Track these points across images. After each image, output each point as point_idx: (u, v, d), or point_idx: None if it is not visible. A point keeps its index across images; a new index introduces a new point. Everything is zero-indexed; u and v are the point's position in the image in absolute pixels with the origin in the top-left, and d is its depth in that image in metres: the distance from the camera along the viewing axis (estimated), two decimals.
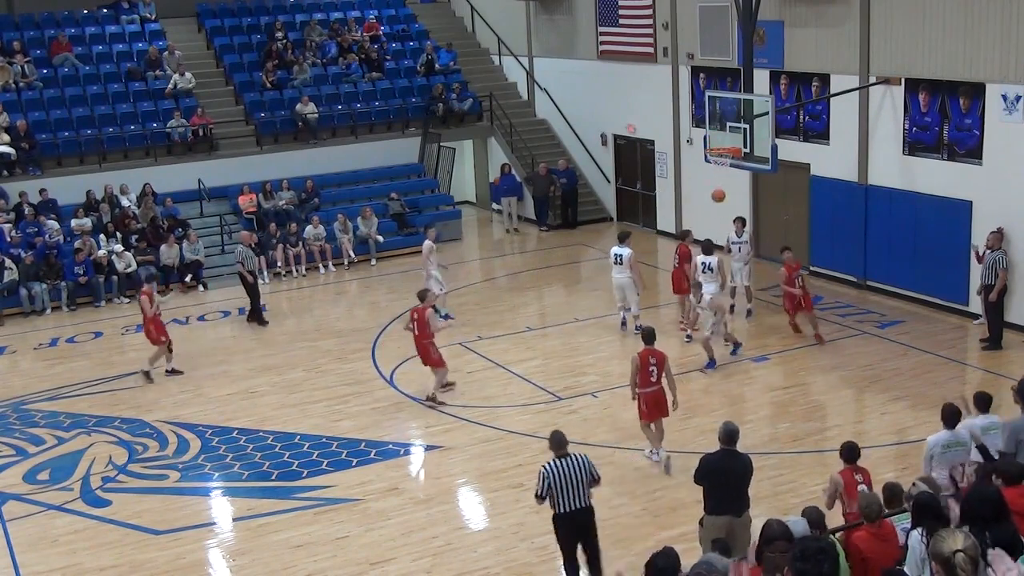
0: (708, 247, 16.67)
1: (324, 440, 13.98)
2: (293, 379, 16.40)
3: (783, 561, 6.92)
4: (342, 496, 12.35)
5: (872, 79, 18.37)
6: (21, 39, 25.58)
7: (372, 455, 13.48)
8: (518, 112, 27.69)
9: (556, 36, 26.99)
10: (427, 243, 18.62)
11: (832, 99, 19.17)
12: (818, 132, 19.77)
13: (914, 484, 8.25)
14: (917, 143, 17.83)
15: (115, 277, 21.26)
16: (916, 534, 7.40)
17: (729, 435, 9.53)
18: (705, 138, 18.99)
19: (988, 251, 15.96)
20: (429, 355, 14.90)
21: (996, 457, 9.51)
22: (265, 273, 22.17)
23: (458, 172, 28.51)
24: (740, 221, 18.04)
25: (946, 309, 17.66)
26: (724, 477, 9.45)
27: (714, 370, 15.59)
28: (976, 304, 16.76)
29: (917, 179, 17.88)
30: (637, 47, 23.98)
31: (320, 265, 22.96)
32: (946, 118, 17.21)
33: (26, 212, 22.04)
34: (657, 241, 23.78)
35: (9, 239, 21.28)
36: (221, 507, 12.52)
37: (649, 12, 23.50)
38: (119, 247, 21.64)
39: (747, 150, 17.62)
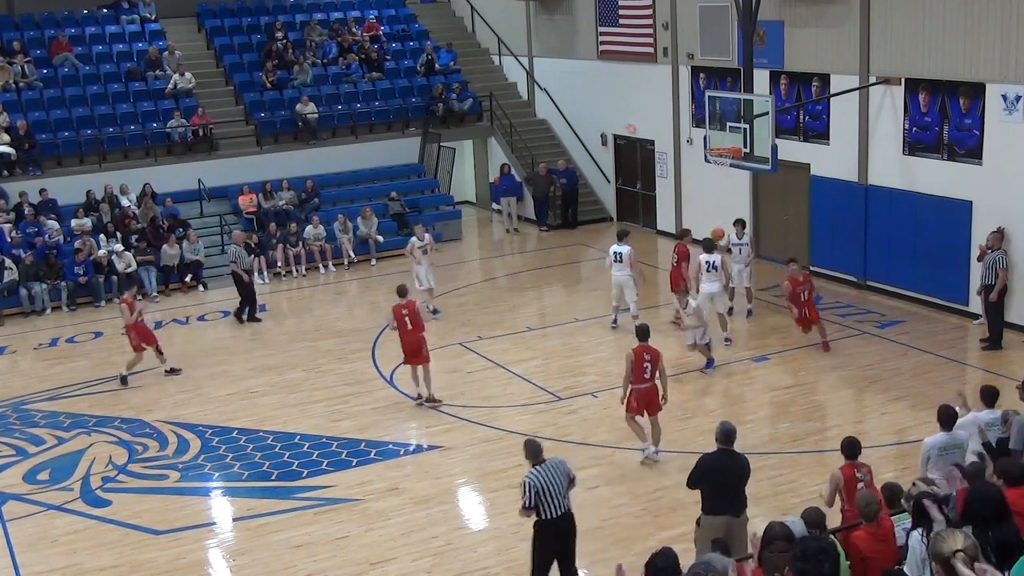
0: (709, 245, 16.72)
1: (324, 440, 13.98)
2: (293, 379, 16.40)
3: (782, 561, 6.92)
4: (342, 496, 12.35)
5: (872, 79, 18.37)
6: (21, 39, 25.58)
7: (372, 455, 13.48)
8: (518, 112, 27.69)
9: (556, 36, 26.99)
10: (411, 239, 19.16)
11: (832, 99, 19.17)
12: (818, 132, 19.77)
13: (914, 484, 8.25)
14: (917, 143, 17.83)
15: (115, 277, 21.25)
16: (916, 534, 7.41)
17: (726, 435, 9.53)
18: (705, 138, 18.99)
19: (988, 251, 15.96)
20: (422, 351, 14.78)
21: (995, 451, 9.56)
22: (265, 273, 22.20)
23: (458, 172, 28.51)
24: (740, 223, 18.04)
25: (946, 309, 17.66)
26: (723, 477, 9.45)
27: (712, 370, 15.57)
28: (976, 304, 16.76)
29: (917, 179, 17.88)
30: (637, 47, 23.98)
31: (320, 265, 22.96)
32: (946, 118, 17.21)
33: (26, 212, 22.04)
34: (657, 241, 23.78)
35: (9, 239, 21.28)
36: (221, 507, 12.52)
37: (649, 12, 23.50)
38: (119, 247, 21.65)
39: (747, 150, 17.62)
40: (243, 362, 17.35)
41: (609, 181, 26.02)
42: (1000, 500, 6.99)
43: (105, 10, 27.73)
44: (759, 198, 21.43)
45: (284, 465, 13.31)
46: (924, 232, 17.81)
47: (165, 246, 21.72)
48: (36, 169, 23.35)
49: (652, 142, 24.25)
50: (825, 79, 19.31)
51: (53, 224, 21.94)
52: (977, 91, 16.59)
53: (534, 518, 9.35)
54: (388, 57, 28.01)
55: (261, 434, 14.30)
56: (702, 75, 22.22)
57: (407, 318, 14.72)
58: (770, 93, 19.52)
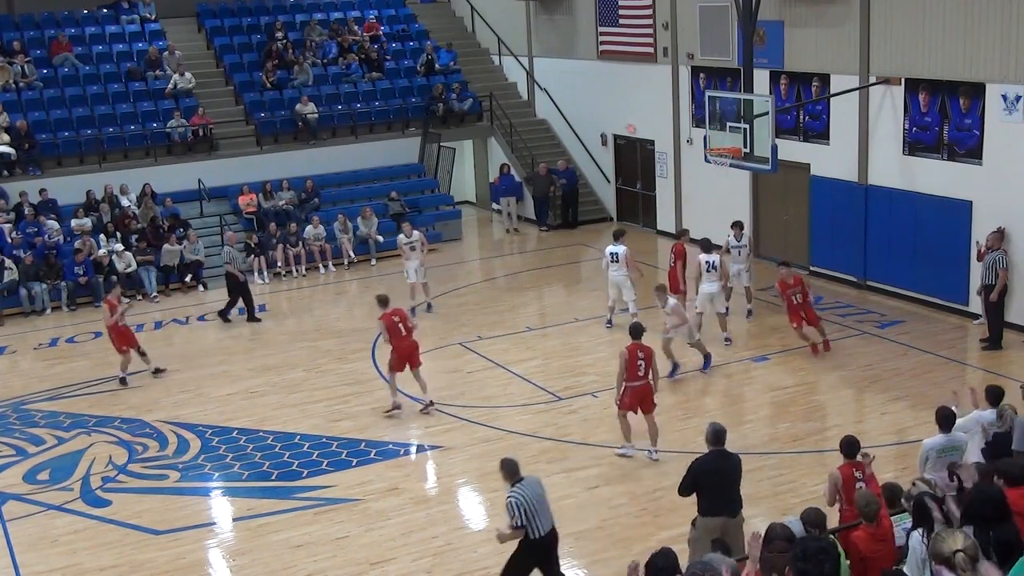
0: (707, 245, 16.75)
1: (324, 440, 13.99)
2: (293, 379, 16.40)
3: (780, 562, 6.93)
4: (342, 496, 12.35)
5: (872, 79, 18.37)
6: (21, 39, 25.59)
7: (372, 455, 13.48)
8: (518, 112, 27.69)
9: (556, 36, 26.99)
10: (399, 236, 19.60)
11: (832, 99, 19.17)
12: (818, 132, 19.77)
13: (914, 484, 8.26)
14: (917, 143, 17.83)
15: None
16: (917, 535, 7.42)
17: (717, 435, 9.51)
18: (705, 138, 18.99)
19: (988, 251, 15.96)
20: (417, 354, 14.73)
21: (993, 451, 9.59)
22: (265, 273, 22.23)
23: (458, 172, 28.51)
24: (738, 226, 18.02)
25: (946, 309, 17.66)
26: (718, 478, 9.43)
27: (710, 369, 15.53)
28: (976, 304, 16.76)
29: (917, 179, 17.88)
30: (637, 47, 23.98)
31: (320, 265, 22.97)
32: (946, 118, 17.21)
33: (26, 212, 22.04)
34: (657, 241, 23.78)
35: (9, 239, 21.28)
36: (221, 507, 12.52)
37: (649, 12, 23.50)
38: (119, 247, 21.65)
39: (747, 150, 17.62)
40: (243, 362, 17.35)
41: (609, 181, 26.03)
42: (1002, 500, 7.01)
43: (105, 10, 27.73)
44: (759, 198, 21.43)
45: (284, 465, 13.31)
46: (924, 232, 17.81)
47: (165, 246, 21.73)
48: (36, 169, 23.35)
49: (652, 142, 24.25)
50: (825, 79, 19.31)
51: (53, 224, 21.94)
52: (977, 91, 16.59)
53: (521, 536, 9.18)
54: (388, 57, 28.01)
55: (261, 434, 14.31)
56: (702, 75, 22.22)
57: (400, 325, 14.62)
58: (770, 93, 19.52)
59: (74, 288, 20.89)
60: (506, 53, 28.81)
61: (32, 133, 23.42)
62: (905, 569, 7.41)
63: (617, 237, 17.72)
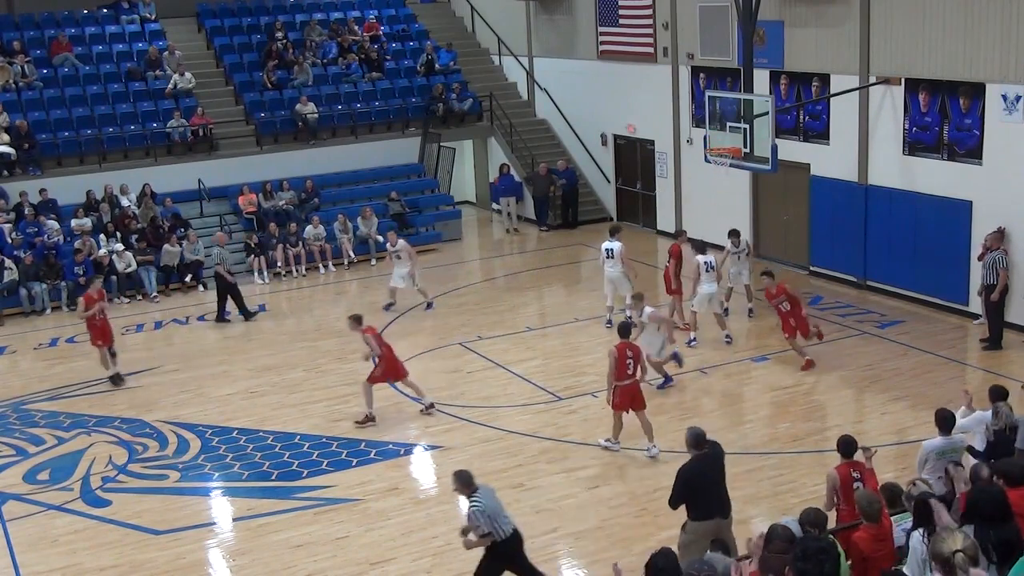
0: (703, 246, 16.75)
1: (324, 440, 13.99)
2: (293, 379, 16.40)
3: (779, 562, 6.93)
4: (342, 496, 12.35)
5: (872, 79, 18.36)
6: (21, 39, 25.58)
7: (372, 455, 13.48)
8: (518, 112, 27.69)
9: (556, 36, 26.98)
10: (387, 244, 20.18)
11: (832, 99, 19.16)
12: (818, 132, 19.77)
13: (914, 484, 8.26)
14: (917, 143, 17.83)
15: (115, 277, 21.26)
16: (917, 535, 7.42)
17: (698, 439, 9.48)
18: (705, 138, 18.99)
19: (988, 251, 15.95)
20: (401, 364, 14.71)
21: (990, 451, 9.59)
22: (265, 273, 22.24)
23: (458, 172, 28.51)
24: (735, 234, 17.95)
25: (946, 309, 17.66)
26: (707, 481, 9.42)
27: (672, 385, 15.09)
28: (976, 304, 16.76)
29: (917, 179, 17.88)
30: (637, 47, 23.98)
31: (320, 265, 22.97)
32: (946, 118, 17.21)
33: (26, 212, 22.04)
34: (657, 241, 23.78)
35: (9, 239, 21.28)
36: (221, 507, 12.52)
37: (649, 12, 23.50)
38: (119, 247, 21.65)
39: (747, 150, 17.62)
40: (243, 362, 17.35)
41: (609, 181, 26.02)
42: (1004, 500, 7.01)
43: (105, 10, 27.72)
44: (759, 198, 21.43)
45: (284, 465, 13.31)
46: (924, 232, 17.81)
47: (165, 246, 21.73)
48: (36, 169, 23.35)
49: (652, 142, 24.25)
50: (825, 79, 19.30)
51: (53, 224, 21.94)
52: (977, 91, 16.59)
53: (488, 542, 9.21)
54: (388, 57, 28.01)
55: (261, 434, 14.31)
56: (702, 75, 22.22)
57: (378, 342, 14.49)
58: (770, 93, 19.52)
59: (74, 288, 20.85)
60: (506, 53, 28.81)
61: (32, 133, 23.42)
62: (905, 569, 7.41)
63: (613, 233, 17.84)
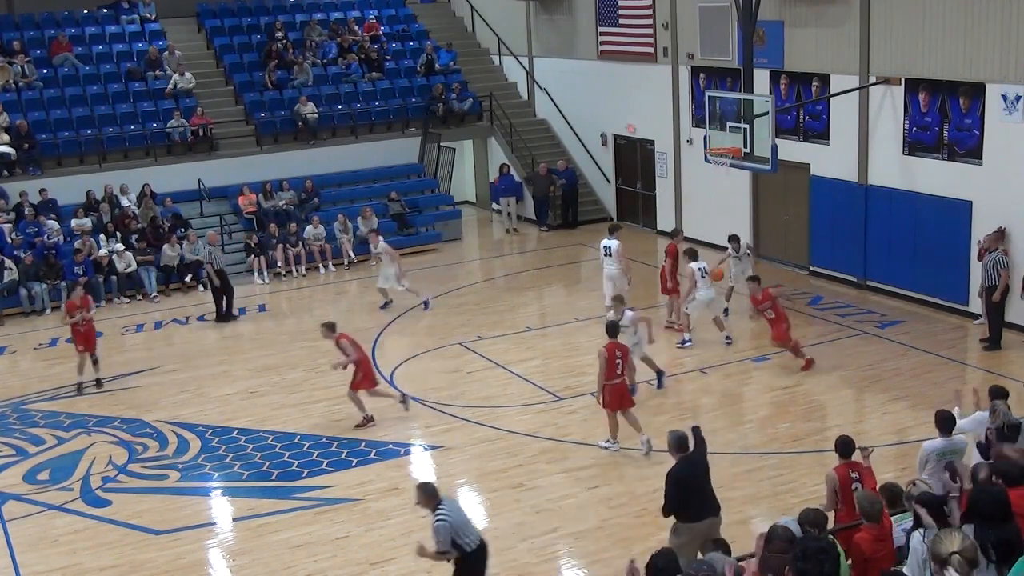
0: (694, 253, 16.75)
1: (324, 440, 13.98)
2: (293, 379, 16.40)
3: (778, 562, 6.92)
4: (342, 496, 12.35)
5: (872, 79, 18.36)
6: (21, 39, 25.58)
7: (372, 455, 13.48)
8: (518, 112, 27.69)
9: (556, 36, 26.98)
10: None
11: (832, 99, 19.16)
12: (818, 132, 19.77)
13: (914, 484, 8.26)
14: (917, 143, 17.83)
15: (115, 277, 21.26)
16: (918, 535, 7.41)
17: (679, 442, 9.49)
18: (705, 138, 18.99)
19: (987, 252, 15.94)
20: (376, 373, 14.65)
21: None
22: (265, 273, 22.25)
23: (458, 172, 28.51)
24: (735, 239, 17.96)
25: (946, 309, 17.66)
26: (696, 482, 9.42)
27: (663, 387, 15.08)
28: (976, 304, 16.76)
29: (917, 179, 17.88)
30: (637, 47, 23.98)
31: (320, 265, 22.97)
32: (946, 118, 17.21)
33: (26, 212, 22.03)
34: (657, 241, 23.76)
35: (10, 239, 21.28)
36: (221, 507, 12.52)
37: (649, 12, 23.50)
38: (119, 247, 21.65)
39: (747, 150, 17.62)
40: (243, 362, 17.35)
41: (609, 181, 26.02)
42: (1006, 500, 7.01)
43: (105, 10, 27.72)
44: (759, 198, 21.43)
45: (284, 465, 13.31)
46: (924, 232, 17.81)
47: (165, 246, 21.73)
48: (36, 169, 23.35)
49: (652, 142, 24.25)
50: (825, 79, 19.30)
51: (53, 224, 21.94)
52: (977, 91, 16.59)
53: (455, 555, 9.04)
54: (388, 57, 28.01)
55: (261, 434, 14.31)
56: (702, 75, 22.22)
57: (353, 346, 14.40)
58: (770, 93, 19.52)
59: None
60: (506, 53, 28.81)
61: (32, 133, 23.42)
62: (905, 569, 7.41)
63: (612, 231, 17.94)
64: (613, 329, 13.10)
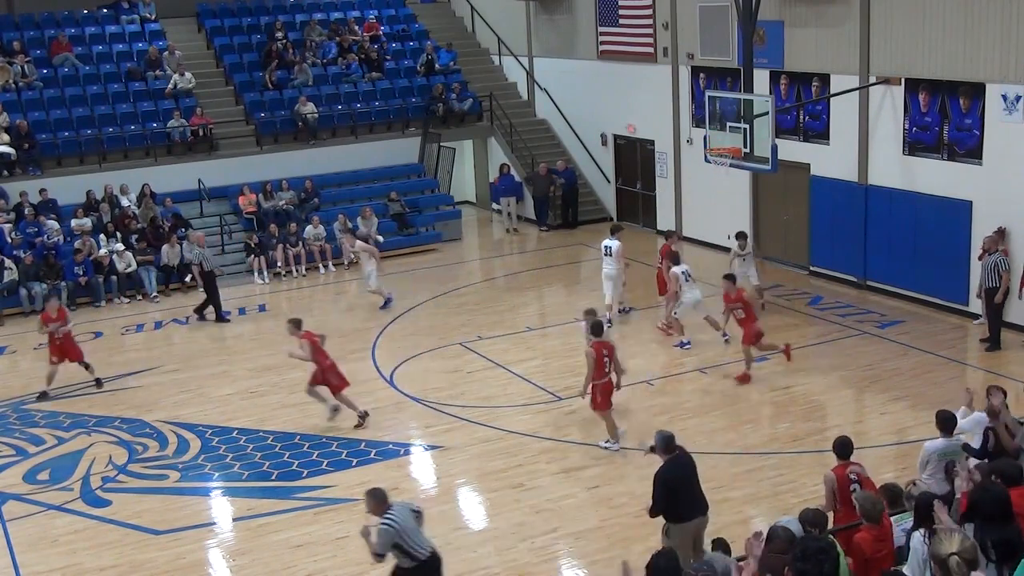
0: (676, 257, 16.75)
1: (324, 440, 13.98)
2: (293, 379, 16.35)
3: (779, 562, 6.93)
4: (342, 496, 12.34)
5: (872, 79, 18.36)
6: (21, 39, 25.58)
7: (372, 455, 13.48)
8: (518, 112, 27.69)
9: (556, 36, 26.98)
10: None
11: (832, 99, 19.16)
12: (818, 132, 19.77)
13: (914, 484, 8.26)
14: (917, 143, 17.83)
15: (115, 277, 21.26)
16: (918, 535, 7.41)
17: (667, 442, 9.50)
18: (705, 138, 18.99)
19: (986, 253, 15.93)
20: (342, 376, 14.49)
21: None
22: (265, 273, 22.25)
23: (458, 172, 28.51)
24: (742, 236, 17.93)
25: (946, 309, 17.66)
26: (686, 482, 9.44)
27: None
28: (976, 304, 16.76)
29: (917, 179, 17.88)
30: (637, 47, 23.98)
31: (320, 265, 22.97)
32: (946, 118, 17.21)
33: (26, 212, 22.03)
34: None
35: (9, 239, 21.28)
36: (221, 507, 12.52)
37: (649, 12, 23.50)
38: (119, 247, 21.65)
39: (747, 150, 17.62)
40: (243, 362, 17.35)
41: (609, 181, 26.02)
42: (1007, 500, 7.01)
43: (105, 10, 27.72)
44: (759, 198, 21.42)
45: (284, 465, 13.31)
46: (924, 232, 17.81)
47: (165, 246, 21.73)
48: (36, 169, 23.35)
49: (652, 142, 24.25)
50: (825, 79, 19.30)
51: (53, 224, 21.94)
52: (977, 91, 16.59)
53: (408, 564, 8.91)
54: (388, 57, 28.01)
55: (261, 434, 14.30)
56: (702, 75, 22.22)
57: (314, 349, 14.33)
58: (770, 93, 19.51)
59: (74, 288, 20.88)
60: (506, 53, 28.81)
61: (32, 133, 23.41)
62: (905, 570, 7.41)
63: (613, 232, 18.03)
64: (598, 328, 13.15)
